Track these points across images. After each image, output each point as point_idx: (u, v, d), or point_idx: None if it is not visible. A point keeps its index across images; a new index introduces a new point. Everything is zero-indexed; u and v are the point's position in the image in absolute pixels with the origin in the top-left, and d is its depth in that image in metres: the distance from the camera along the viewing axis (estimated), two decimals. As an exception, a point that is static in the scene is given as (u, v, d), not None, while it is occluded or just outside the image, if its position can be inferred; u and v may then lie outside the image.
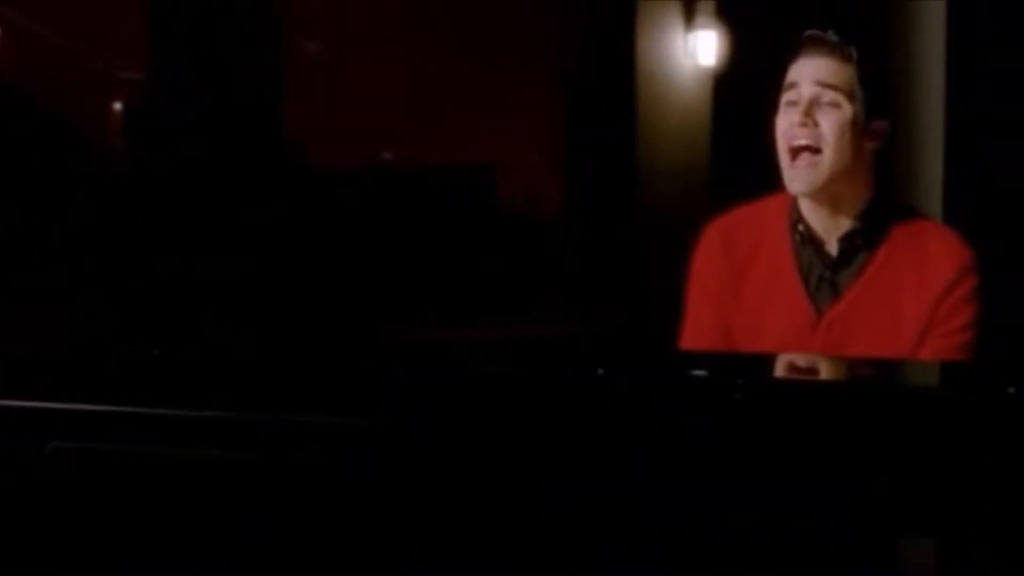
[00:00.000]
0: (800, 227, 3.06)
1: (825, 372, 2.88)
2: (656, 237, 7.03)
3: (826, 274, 3.03)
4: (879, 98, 3.00)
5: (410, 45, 7.18)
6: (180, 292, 6.84)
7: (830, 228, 3.04)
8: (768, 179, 6.13)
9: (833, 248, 3.03)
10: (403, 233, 7.32)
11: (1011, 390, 2.21)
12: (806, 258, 3.05)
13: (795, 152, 3.01)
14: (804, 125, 2.98)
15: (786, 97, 3.03)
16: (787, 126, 3.02)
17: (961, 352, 2.93)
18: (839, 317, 3.00)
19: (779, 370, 2.85)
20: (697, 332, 3.13)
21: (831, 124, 2.98)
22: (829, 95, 2.98)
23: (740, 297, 3.09)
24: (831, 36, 3.01)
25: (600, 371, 2.49)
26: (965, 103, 5.26)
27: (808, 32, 3.06)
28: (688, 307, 3.17)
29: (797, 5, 6.09)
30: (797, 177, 3.01)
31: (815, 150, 2.98)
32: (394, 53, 7.21)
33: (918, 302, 2.96)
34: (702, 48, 7.05)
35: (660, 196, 6.96)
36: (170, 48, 7.33)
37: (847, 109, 2.98)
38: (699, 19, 7.08)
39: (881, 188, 3.03)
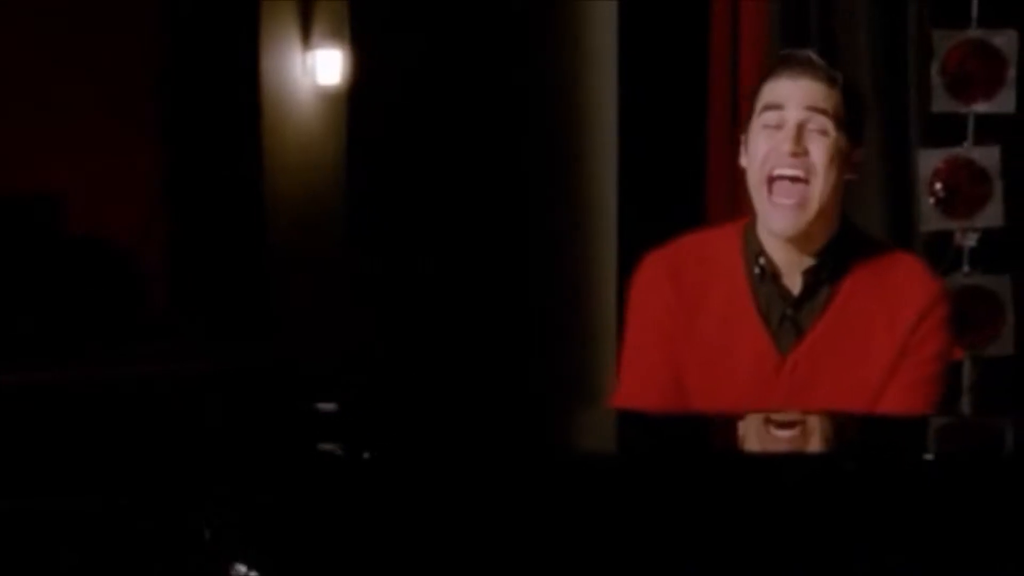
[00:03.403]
0: (761, 260, 2.73)
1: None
2: (283, 265, 6.60)
3: (788, 311, 2.71)
4: (858, 126, 2.72)
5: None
6: None
7: (794, 262, 2.72)
8: (409, 196, 5.86)
9: (795, 283, 2.72)
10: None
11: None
12: (765, 294, 2.72)
13: (776, 181, 2.67)
14: (795, 154, 2.64)
15: (763, 119, 2.69)
16: (768, 152, 2.68)
17: (932, 385, 2.69)
18: (804, 356, 2.69)
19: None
20: (644, 374, 2.75)
21: (821, 154, 2.65)
22: (819, 121, 2.66)
23: (693, 336, 2.73)
24: (818, 58, 2.69)
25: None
26: (636, 98, 5.14)
27: (790, 52, 2.76)
28: (631, 348, 2.78)
29: (424, 22, 5.83)
30: (781, 218, 2.67)
31: (803, 181, 2.66)
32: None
33: (890, 332, 2.69)
34: (321, 67, 6.68)
35: (286, 220, 6.53)
36: None
37: (834, 137, 2.67)
38: (316, 38, 6.71)
39: (844, 219, 2.76)
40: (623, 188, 5.19)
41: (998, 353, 4.60)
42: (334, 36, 6.63)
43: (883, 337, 2.69)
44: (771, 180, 2.68)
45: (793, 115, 2.66)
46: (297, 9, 6.67)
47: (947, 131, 4.70)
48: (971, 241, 4.71)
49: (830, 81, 2.67)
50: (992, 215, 4.67)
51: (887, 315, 2.70)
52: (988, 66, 4.68)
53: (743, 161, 2.77)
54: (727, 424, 2.54)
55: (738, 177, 4.91)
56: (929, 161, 4.69)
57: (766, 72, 2.75)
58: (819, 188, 2.66)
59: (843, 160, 2.69)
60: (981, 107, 4.66)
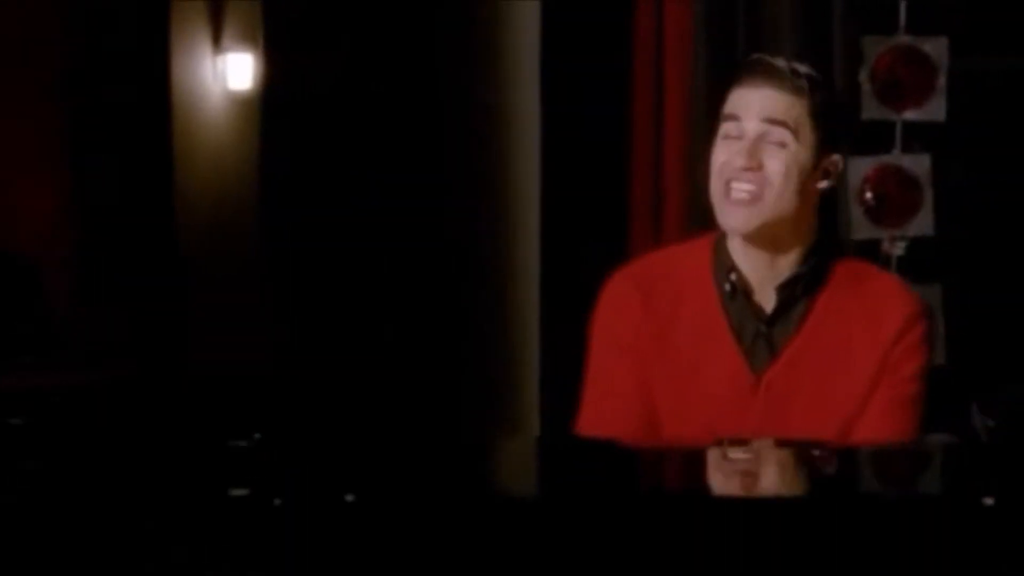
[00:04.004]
0: (732, 276, 2.61)
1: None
2: (195, 274, 6.41)
3: (761, 329, 2.59)
4: (831, 132, 2.60)
5: None
6: None
7: (767, 277, 2.60)
8: (324, 204, 5.71)
9: (768, 299, 2.60)
10: None
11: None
12: (736, 312, 2.60)
13: (732, 190, 2.57)
14: (748, 169, 2.54)
15: (724, 129, 2.58)
16: (725, 163, 2.57)
17: (913, 405, 2.60)
18: (779, 375, 2.57)
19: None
20: (612, 397, 2.61)
21: (777, 167, 2.54)
22: (777, 133, 2.54)
23: (663, 357, 2.59)
24: (781, 63, 2.57)
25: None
26: (559, 104, 5.02)
27: (754, 56, 2.63)
28: (598, 370, 2.64)
29: (339, 25, 5.68)
30: (732, 214, 2.57)
31: (756, 195, 2.55)
32: None
33: (869, 350, 2.58)
34: (232, 71, 6.48)
35: (197, 228, 6.33)
36: None
37: (794, 149, 2.55)
38: (227, 41, 6.50)
39: (822, 230, 2.65)
40: (546, 193, 5.08)
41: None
42: (245, 40, 6.44)
43: (862, 355, 2.59)
44: (726, 187, 2.58)
45: (750, 127, 2.56)
46: (207, 11, 6.48)
47: (876, 138, 4.64)
48: (899, 250, 4.65)
49: (794, 90, 2.56)
50: (923, 224, 4.61)
51: (866, 332, 2.60)
52: (918, 73, 4.62)
53: None
54: (656, 459, 2.45)
55: (662, 181, 4.91)
56: (858, 169, 4.62)
57: (733, 77, 2.64)
58: (773, 199, 2.56)
59: (804, 172, 2.57)
60: (911, 114, 4.61)
